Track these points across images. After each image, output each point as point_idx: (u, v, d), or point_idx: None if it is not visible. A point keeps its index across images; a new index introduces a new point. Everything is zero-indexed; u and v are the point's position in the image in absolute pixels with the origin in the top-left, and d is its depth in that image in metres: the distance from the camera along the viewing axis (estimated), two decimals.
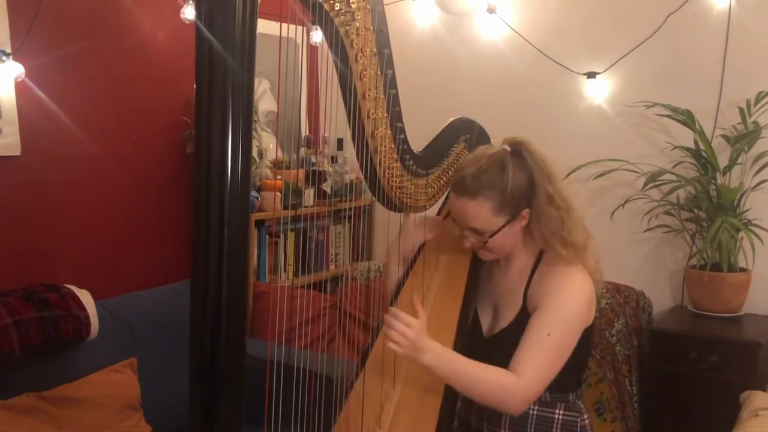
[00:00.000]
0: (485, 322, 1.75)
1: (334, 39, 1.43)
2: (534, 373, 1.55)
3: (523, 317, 1.63)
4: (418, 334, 1.49)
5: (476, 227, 1.61)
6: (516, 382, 1.53)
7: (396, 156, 1.66)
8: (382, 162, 1.63)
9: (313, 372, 1.63)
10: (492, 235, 1.62)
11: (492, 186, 1.58)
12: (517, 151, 1.63)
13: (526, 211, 1.63)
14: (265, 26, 2.05)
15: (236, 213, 1.08)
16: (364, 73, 1.48)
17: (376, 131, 1.57)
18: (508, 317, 1.68)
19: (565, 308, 1.59)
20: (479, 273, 1.79)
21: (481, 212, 1.59)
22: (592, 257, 1.65)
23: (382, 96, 1.55)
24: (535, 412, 1.66)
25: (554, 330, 1.56)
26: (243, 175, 1.07)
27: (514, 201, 1.60)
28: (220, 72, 1.03)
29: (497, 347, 1.63)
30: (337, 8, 1.38)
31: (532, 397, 1.57)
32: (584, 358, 1.74)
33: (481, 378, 1.54)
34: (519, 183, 1.59)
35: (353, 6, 1.39)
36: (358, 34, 1.43)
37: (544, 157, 1.63)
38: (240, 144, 1.06)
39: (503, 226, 1.61)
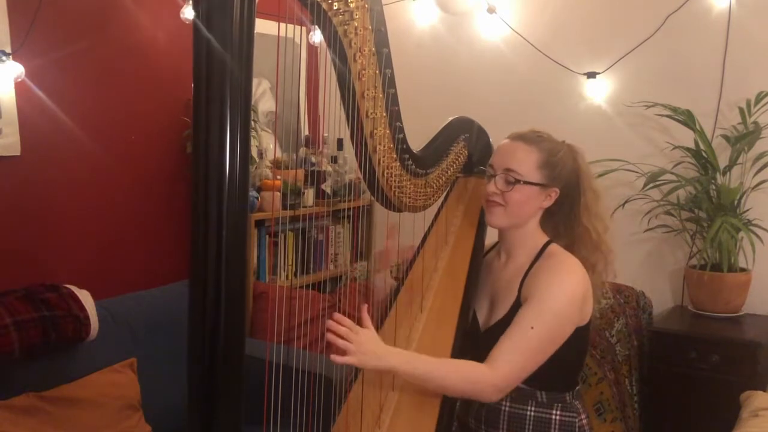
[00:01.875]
0: (482, 315, 1.76)
1: (332, 38, 1.43)
2: (509, 365, 1.55)
3: (517, 308, 1.63)
4: (368, 339, 1.49)
5: (514, 168, 1.65)
6: (486, 374, 1.55)
7: (395, 156, 1.66)
8: (381, 162, 1.63)
9: (312, 372, 1.63)
10: (522, 183, 1.64)
11: (546, 144, 1.69)
12: (572, 149, 1.74)
13: (555, 191, 1.68)
14: (265, 26, 2.05)
15: (234, 213, 1.07)
16: (363, 72, 1.48)
17: (375, 131, 1.57)
18: (503, 310, 1.68)
19: (555, 301, 1.59)
20: (479, 271, 1.79)
21: (528, 157, 1.66)
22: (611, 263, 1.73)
23: (380, 95, 1.55)
24: (532, 413, 1.66)
25: (539, 323, 1.57)
26: (241, 175, 1.07)
27: (555, 171, 1.67)
28: (218, 71, 1.03)
29: (492, 339, 1.63)
30: (335, 7, 1.38)
31: (505, 387, 1.58)
32: (580, 358, 1.74)
33: (448, 375, 1.56)
34: (566, 164, 1.69)
35: (351, 5, 1.39)
36: (356, 34, 1.43)
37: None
38: (238, 143, 1.06)
39: (535, 183, 1.65)
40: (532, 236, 1.72)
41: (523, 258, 1.71)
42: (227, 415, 1.10)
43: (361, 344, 1.48)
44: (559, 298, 1.59)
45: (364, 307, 1.60)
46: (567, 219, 1.73)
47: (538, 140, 1.68)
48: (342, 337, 1.48)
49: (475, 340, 1.69)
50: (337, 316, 1.51)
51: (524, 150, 1.67)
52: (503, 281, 1.73)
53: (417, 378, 1.54)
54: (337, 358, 1.47)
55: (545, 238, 1.72)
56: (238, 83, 1.05)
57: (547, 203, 1.69)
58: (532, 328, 1.56)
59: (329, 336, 1.49)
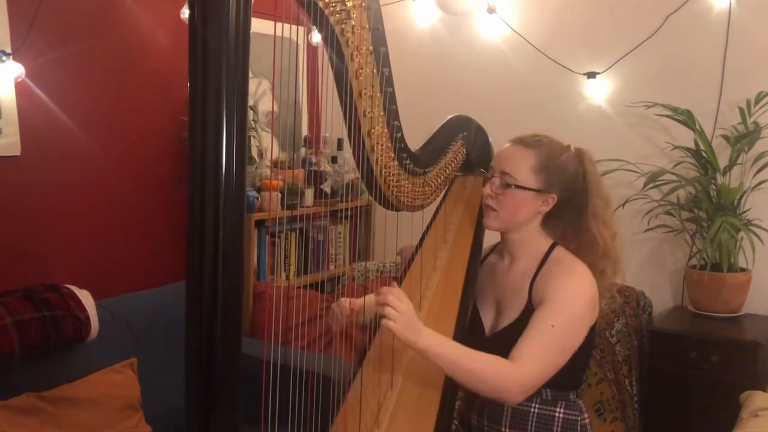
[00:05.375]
0: (487, 320, 1.75)
1: (329, 38, 1.43)
2: (534, 363, 1.54)
3: (528, 312, 1.63)
4: (411, 311, 1.48)
5: (509, 171, 1.66)
6: (514, 370, 1.52)
7: (393, 155, 1.66)
8: (379, 161, 1.63)
9: (310, 372, 1.63)
10: (516, 187, 1.64)
11: (545, 148, 1.67)
12: (579, 153, 1.71)
13: (552, 197, 1.67)
14: (265, 27, 2.06)
15: (231, 213, 1.07)
16: (360, 71, 1.48)
17: (373, 130, 1.57)
18: (512, 314, 1.67)
19: (573, 303, 1.59)
20: (477, 270, 1.79)
21: (523, 161, 1.66)
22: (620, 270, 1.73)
23: (378, 94, 1.55)
24: (536, 410, 1.66)
25: (559, 322, 1.56)
26: (238, 175, 1.07)
27: (553, 176, 1.65)
28: (214, 70, 1.03)
29: (501, 344, 1.62)
30: (332, 7, 1.38)
31: (530, 388, 1.56)
32: (586, 358, 1.74)
33: (477, 363, 1.53)
34: (567, 169, 1.67)
35: (348, 4, 1.39)
36: (353, 33, 1.43)
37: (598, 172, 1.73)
38: (234, 143, 1.06)
39: (530, 189, 1.64)
40: (535, 240, 1.71)
41: (528, 262, 1.71)
42: (225, 415, 1.10)
43: (405, 314, 1.46)
44: (577, 302, 1.60)
45: (394, 283, 1.61)
46: (574, 225, 1.71)
47: (537, 144, 1.67)
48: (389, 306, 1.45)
49: (478, 345, 1.68)
50: (386, 287, 1.48)
51: (521, 154, 1.66)
52: (509, 285, 1.72)
53: (445, 362, 1.50)
54: (387, 323, 1.44)
55: (549, 241, 1.71)
56: (234, 82, 1.04)
57: (545, 208, 1.68)
58: (552, 326, 1.56)
59: (379, 306, 1.45)
